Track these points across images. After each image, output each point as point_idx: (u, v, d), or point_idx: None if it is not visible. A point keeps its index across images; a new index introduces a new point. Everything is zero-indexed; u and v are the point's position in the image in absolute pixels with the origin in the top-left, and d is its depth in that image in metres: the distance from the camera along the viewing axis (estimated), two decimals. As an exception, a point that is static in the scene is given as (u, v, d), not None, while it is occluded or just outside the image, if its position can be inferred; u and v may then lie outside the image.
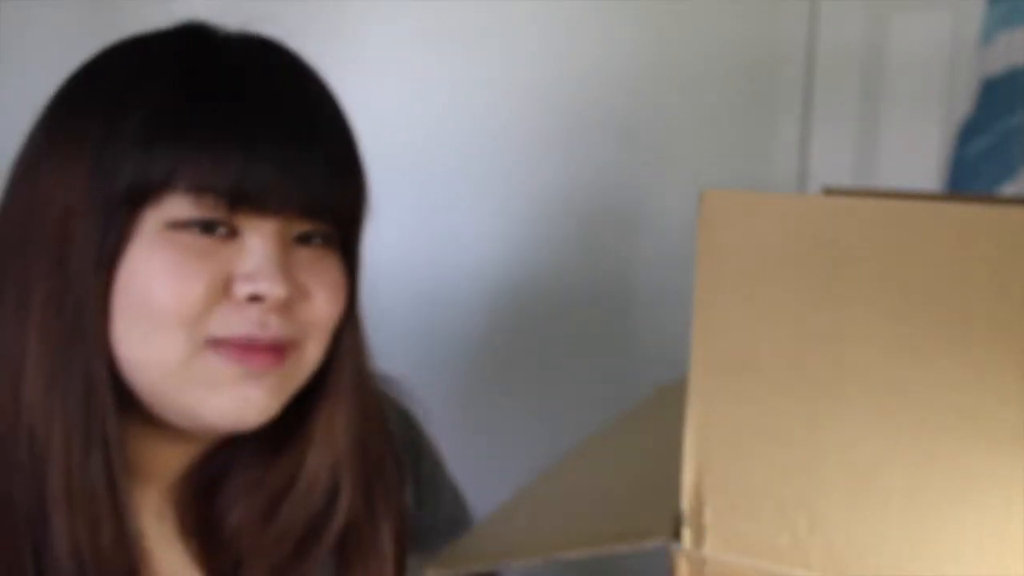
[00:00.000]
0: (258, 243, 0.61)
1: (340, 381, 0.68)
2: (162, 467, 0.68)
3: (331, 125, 0.66)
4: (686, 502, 0.51)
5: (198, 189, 0.59)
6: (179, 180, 0.59)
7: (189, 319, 0.60)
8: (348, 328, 0.68)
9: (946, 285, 0.45)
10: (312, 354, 0.65)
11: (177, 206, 0.60)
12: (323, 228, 0.64)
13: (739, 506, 0.50)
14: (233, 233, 0.61)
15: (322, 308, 0.64)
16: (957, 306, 0.44)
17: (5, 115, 1.21)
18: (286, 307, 0.62)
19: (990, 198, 0.92)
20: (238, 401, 0.62)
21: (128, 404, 0.63)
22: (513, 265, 1.31)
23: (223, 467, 0.68)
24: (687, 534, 0.51)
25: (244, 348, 0.61)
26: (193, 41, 0.65)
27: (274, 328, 0.61)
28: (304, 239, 0.64)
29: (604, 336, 1.32)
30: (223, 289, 0.60)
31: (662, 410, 0.72)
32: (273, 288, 0.60)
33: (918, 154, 1.22)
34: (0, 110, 1.22)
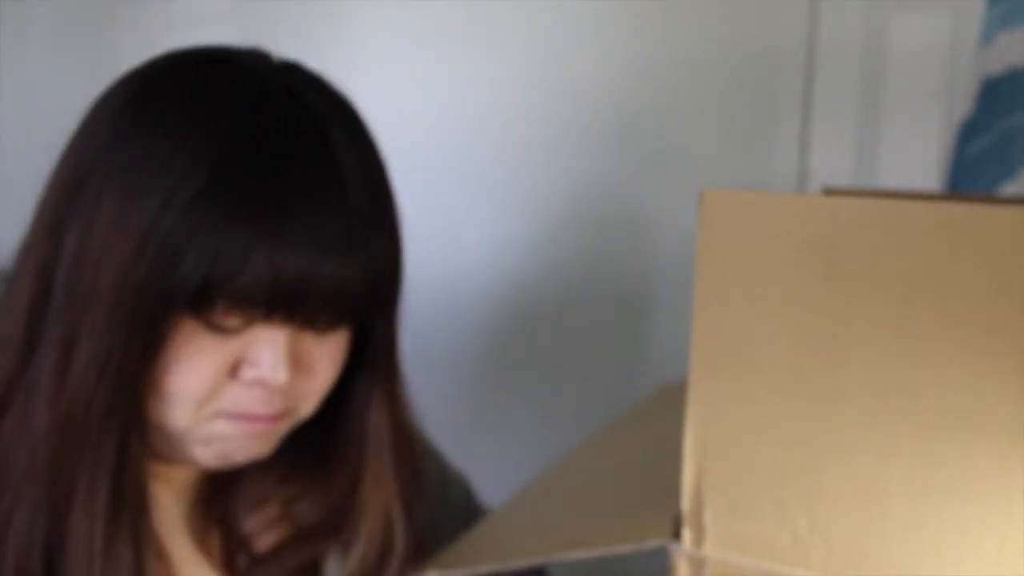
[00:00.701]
0: (268, 335, 0.62)
1: (379, 442, 0.69)
2: (177, 472, 0.69)
3: (385, 229, 0.65)
4: (686, 502, 0.51)
5: (243, 304, 0.60)
6: (226, 291, 0.59)
7: (197, 403, 0.62)
8: (380, 369, 0.69)
9: (946, 285, 0.45)
10: (304, 413, 0.67)
11: (215, 312, 0.60)
12: (341, 327, 0.65)
13: (739, 506, 0.50)
14: (249, 323, 0.62)
15: (319, 381, 0.65)
16: (957, 306, 0.44)
17: (5, 115, 1.21)
18: (287, 385, 0.63)
19: (990, 198, 0.92)
20: (228, 452, 0.65)
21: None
22: (514, 266, 1.31)
23: (238, 476, 0.70)
24: (687, 534, 0.51)
25: (246, 419, 0.64)
26: (252, 107, 0.62)
27: (275, 405, 0.64)
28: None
29: (606, 337, 1.32)
30: (230, 371, 0.62)
31: (662, 410, 0.72)
32: (276, 376, 0.62)
33: (918, 154, 1.22)
34: (0, 110, 1.22)
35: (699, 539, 0.51)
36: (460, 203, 1.31)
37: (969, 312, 0.44)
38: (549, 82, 1.28)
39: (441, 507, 0.78)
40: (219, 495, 0.70)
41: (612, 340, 1.32)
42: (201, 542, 0.69)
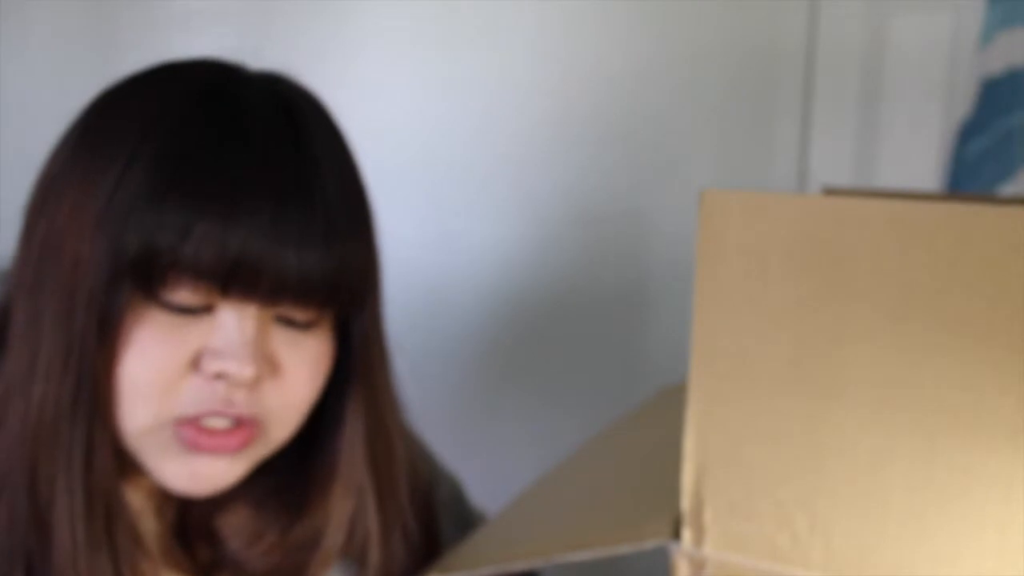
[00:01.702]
0: (233, 322, 0.59)
1: (352, 454, 0.66)
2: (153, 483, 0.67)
3: (345, 212, 0.62)
4: (686, 502, 0.51)
5: (192, 277, 0.58)
6: (169, 260, 0.57)
7: (158, 396, 0.59)
8: (358, 389, 0.67)
9: (946, 285, 0.45)
10: (277, 436, 0.64)
11: (165, 287, 0.58)
12: (308, 315, 0.62)
13: (739, 506, 0.50)
14: (209, 308, 0.60)
15: (292, 389, 0.62)
16: (957, 306, 0.44)
17: (5, 115, 1.21)
18: (255, 384, 0.60)
19: (990, 198, 0.92)
20: (186, 474, 0.62)
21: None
22: (515, 266, 1.31)
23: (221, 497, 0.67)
24: (687, 534, 0.51)
25: (205, 433, 0.60)
26: (212, 93, 0.61)
27: (239, 405, 0.60)
28: (287, 320, 0.62)
29: (606, 337, 1.32)
30: (192, 363, 0.60)
31: (663, 411, 0.72)
32: (241, 369, 0.59)
33: (918, 154, 1.22)
34: (0, 110, 1.22)
35: (699, 539, 0.51)
36: (460, 204, 1.31)
37: (969, 312, 0.44)
38: (548, 83, 1.28)
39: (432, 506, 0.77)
40: (200, 514, 0.67)
41: (612, 340, 1.32)
42: (178, 560, 0.66)
